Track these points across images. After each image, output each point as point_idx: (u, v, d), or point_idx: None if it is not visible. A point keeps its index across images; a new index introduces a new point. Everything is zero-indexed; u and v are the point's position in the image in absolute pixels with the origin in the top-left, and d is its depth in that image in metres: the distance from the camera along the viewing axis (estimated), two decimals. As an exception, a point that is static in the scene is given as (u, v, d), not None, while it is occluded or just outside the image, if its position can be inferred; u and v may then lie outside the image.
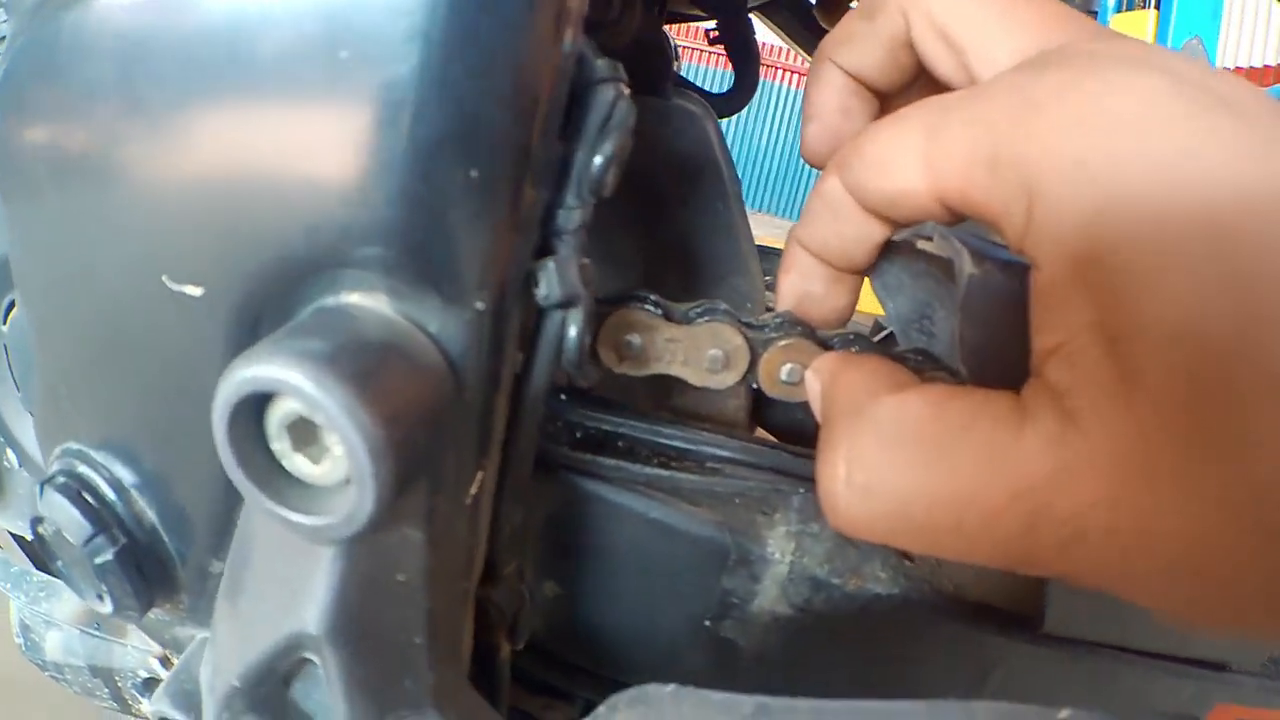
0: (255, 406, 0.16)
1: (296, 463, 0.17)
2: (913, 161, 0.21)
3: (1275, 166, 0.15)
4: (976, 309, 0.21)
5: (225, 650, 0.24)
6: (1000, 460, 0.17)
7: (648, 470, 0.26)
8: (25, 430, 0.37)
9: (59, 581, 0.34)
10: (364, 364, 0.16)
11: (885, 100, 0.28)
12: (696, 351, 0.25)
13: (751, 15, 0.53)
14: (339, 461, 0.17)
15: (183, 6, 0.19)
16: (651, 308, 0.25)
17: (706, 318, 0.25)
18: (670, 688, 0.19)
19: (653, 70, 0.43)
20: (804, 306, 0.27)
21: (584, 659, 0.33)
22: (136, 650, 0.43)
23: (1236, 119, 0.16)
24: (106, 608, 0.26)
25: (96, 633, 0.44)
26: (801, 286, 0.26)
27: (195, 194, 0.19)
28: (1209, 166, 0.16)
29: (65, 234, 0.22)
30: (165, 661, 0.42)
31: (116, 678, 0.44)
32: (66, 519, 0.24)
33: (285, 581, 0.20)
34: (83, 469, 0.25)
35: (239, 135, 0.18)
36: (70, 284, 0.23)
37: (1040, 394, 0.17)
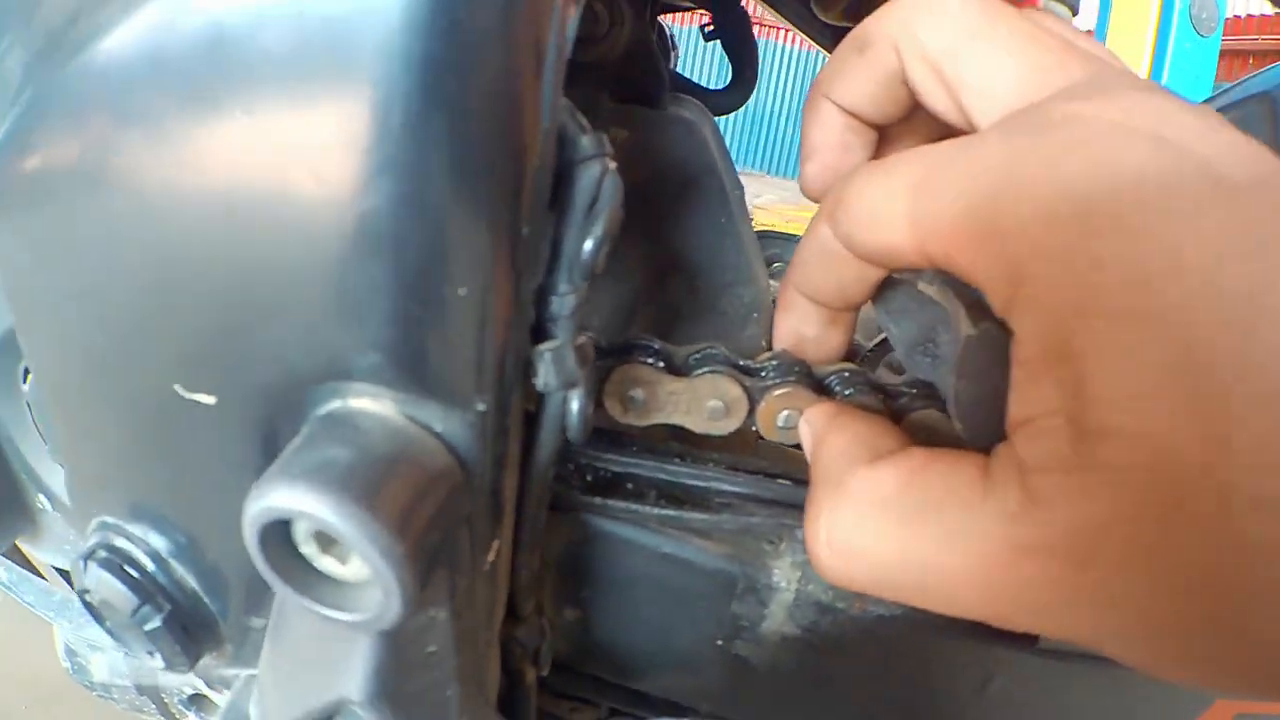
0: (281, 522, 0.17)
1: (325, 564, 0.18)
2: (898, 218, 0.20)
3: (1255, 273, 0.15)
4: (971, 370, 0.21)
5: (271, 698, 0.26)
6: (962, 534, 0.18)
7: (657, 511, 0.27)
8: (56, 480, 0.39)
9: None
10: (374, 478, 0.17)
11: (885, 131, 0.27)
12: (697, 403, 0.26)
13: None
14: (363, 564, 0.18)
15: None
16: (652, 360, 0.26)
17: (706, 368, 0.26)
18: None
19: (646, 79, 0.43)
20: (801, 347, 0.28)
21: (605, 672, 0.35)
22: (182, 668, 0.45)
23: (1231, 210, 0.15)
24: (158, 664, 0.28)
25: (141, 655, 0.46)
26: (798, 329, 0.27)
27: (197, 305, 0.20)
28: (1191, 268, 0.15)
29: (80, 329, 0.22)
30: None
31: (163, 694, 0.46)
32: (112, 593, 0.25)
33: (325, 653, 0.22)
34: (120, 542, 0.26)
35: (232, 249, 0.18)
36: (86, 381, 0.23)
37: (1007, 465, 0.18)
